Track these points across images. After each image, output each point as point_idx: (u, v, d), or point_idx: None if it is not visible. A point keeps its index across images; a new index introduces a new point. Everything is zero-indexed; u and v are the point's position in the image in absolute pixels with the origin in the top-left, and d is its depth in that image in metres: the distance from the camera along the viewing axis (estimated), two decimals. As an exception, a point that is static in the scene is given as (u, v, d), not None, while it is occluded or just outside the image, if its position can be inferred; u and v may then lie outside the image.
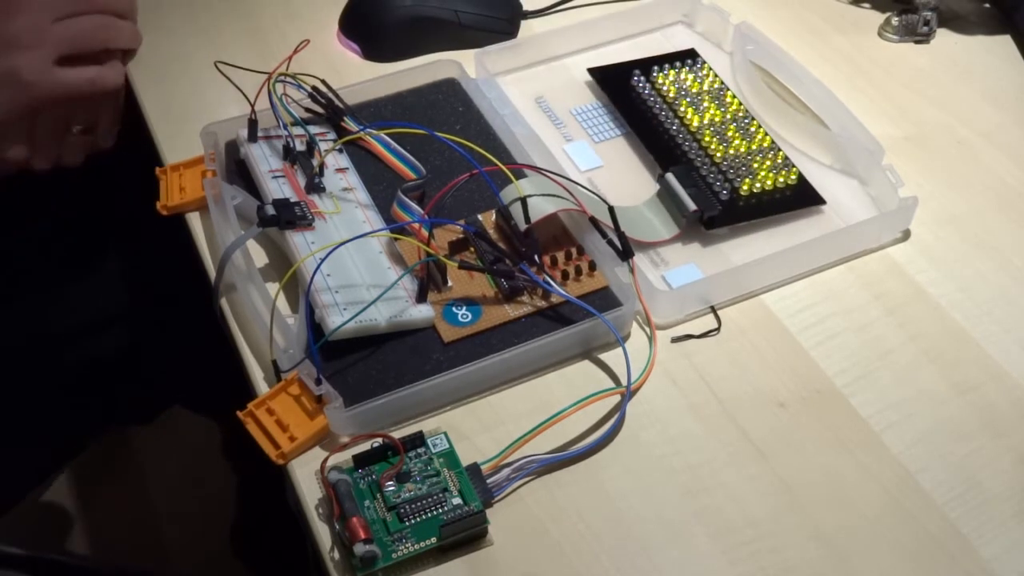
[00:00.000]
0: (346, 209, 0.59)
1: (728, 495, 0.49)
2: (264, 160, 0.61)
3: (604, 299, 0.56)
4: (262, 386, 0.53)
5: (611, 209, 0.56)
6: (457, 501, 0.47)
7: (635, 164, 0.65)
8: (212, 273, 0.58)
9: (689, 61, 0.70)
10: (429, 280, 0.55)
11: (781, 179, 0.62)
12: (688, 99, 0.67)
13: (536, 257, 0.56)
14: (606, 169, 0.65)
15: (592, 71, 0.69)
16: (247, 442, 0.50)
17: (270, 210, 0.56)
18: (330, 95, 0.64)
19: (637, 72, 0.69)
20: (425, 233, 0.55)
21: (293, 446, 0.49)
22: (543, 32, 0.73)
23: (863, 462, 0.50)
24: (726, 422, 0.52)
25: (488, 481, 0.48)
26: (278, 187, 0.59)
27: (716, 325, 0.56)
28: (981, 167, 0.66)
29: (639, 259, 0.57)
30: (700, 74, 0.69)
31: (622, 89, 0.68)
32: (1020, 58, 0.74)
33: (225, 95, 0.66)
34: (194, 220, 0.62)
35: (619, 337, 0.54)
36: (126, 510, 1.24)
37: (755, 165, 0.63)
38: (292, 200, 0.58)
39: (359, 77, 0.70)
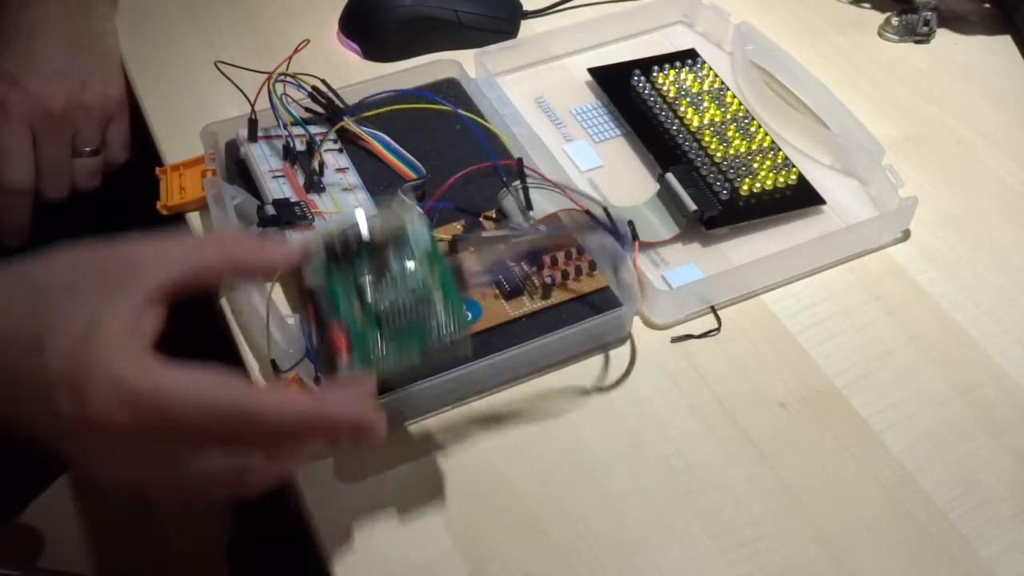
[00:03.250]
0: (346, 209, 0.59)
1: (728, 495, 0.49)
2: (264, 160, 0.61)
3: (604, 299, 0.56)
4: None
5: (606, 210, 0.56)
6: (440, 307, 0.44)
7: (635, 164, 0.65)
8: (212, 273, 0.58)
9: (689, 61, 0.70)
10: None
11: (781, 179, 0.62)
12: (688, 99, 0.67)
13: (536, 257, 0.56)
14: (606, 169, 0.65)
15: (592, 71, 0.69)
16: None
17: (270, 210, 0.56)
18: (330, 95, 0.64)
19: (637, 72, 0.69)
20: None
21: (293, 446, 0.49)
22: (543, 32, 0.73)
23: (863, 462, 0.50)
24: (726, 422, 0.52)
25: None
26: (278, 187, 0.59)
27: (716, 325, 0.56)
28: (981, 167, 0.66)
29: (639, 259, 0.57)
30: (700, 74, 0.69)
31: (622, 89, 0.68)
32: (1020, 58, 0.74)
33: (225, 95, 0.66)
34: (194, 220, 0.62)
35: (620, 337, 0.54)
36: (123, 520, 1.23)
37: (755, 165, 0.63)
38: (292, 200, 0.58)
39: (359, 77, 0.69)
